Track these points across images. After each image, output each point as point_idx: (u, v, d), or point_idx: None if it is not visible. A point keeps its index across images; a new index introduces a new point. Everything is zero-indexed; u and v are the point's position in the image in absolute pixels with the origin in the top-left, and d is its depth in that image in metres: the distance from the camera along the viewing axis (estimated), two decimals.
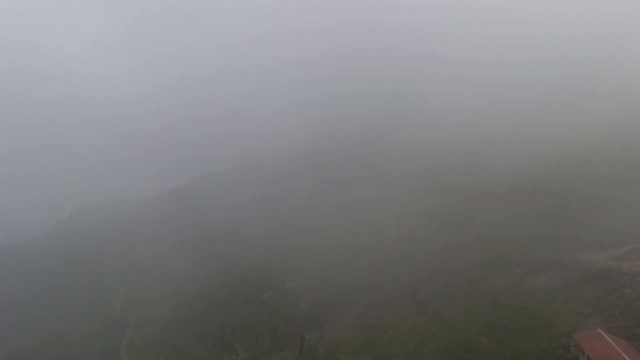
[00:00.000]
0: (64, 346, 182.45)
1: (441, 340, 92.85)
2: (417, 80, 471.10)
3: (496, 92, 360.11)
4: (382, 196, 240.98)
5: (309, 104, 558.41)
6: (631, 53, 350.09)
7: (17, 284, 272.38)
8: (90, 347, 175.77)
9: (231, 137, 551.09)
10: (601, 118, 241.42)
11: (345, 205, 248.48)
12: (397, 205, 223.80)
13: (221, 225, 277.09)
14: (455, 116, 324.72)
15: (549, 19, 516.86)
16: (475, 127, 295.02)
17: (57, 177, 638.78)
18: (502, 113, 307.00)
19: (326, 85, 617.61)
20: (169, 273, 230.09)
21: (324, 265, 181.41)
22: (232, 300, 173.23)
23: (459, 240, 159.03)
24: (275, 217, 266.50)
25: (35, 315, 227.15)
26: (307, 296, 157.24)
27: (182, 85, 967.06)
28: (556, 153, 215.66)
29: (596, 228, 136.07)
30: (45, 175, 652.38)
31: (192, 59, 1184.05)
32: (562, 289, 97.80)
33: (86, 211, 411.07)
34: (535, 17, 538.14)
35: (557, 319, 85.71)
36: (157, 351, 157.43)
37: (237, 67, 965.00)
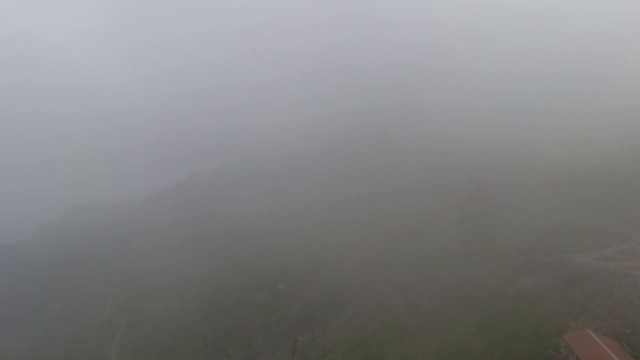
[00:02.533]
0: (52, 348, 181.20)
1: (433, 341, 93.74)
2: (429, 75, 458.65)
3: (503, 91, 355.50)
4: (382, 197, 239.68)
5: (315, 98, 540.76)
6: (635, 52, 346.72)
7: (4, 286, 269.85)
8: (79, 349, 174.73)
9: (227, 132, 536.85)
10: (596, 120, 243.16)
11: (344, 205, 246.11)
12: (395, 205, 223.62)
13: (215, 226, 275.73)
14: (462, 115, 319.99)
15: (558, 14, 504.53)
16: (478, 125, 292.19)
17: (42, 174, 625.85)
18: (503, 113, 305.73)
19: (333, 79, 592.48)
20: (160, 275, 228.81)
21: (316, 266, 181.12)
22: (224, 302, 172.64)
23: (452, 240, 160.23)
24: (272, 217, 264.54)
25: (23, 318, 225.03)
26: (299, 298, 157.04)
27: (178, 77, 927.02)
28: (548, 155, 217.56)
29: (584, 229, 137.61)
30: (29, 171, 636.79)
31: (190, 49, 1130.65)
32: (552, 290, 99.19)
33: (75, 212, 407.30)
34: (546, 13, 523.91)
35: (546, 320, 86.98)
36: (148, 353, 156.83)
37: (239, 59, 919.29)
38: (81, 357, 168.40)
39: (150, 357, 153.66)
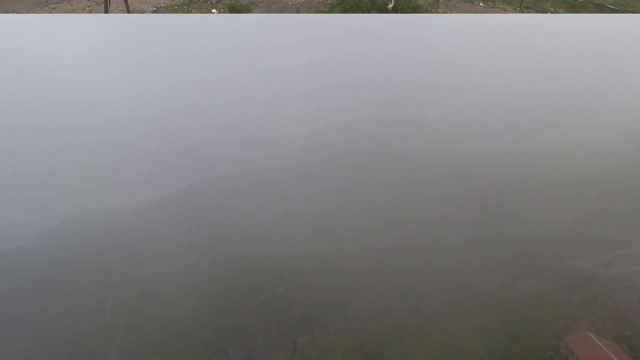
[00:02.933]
0: (51, 350, 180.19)
1: (432, 343, 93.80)
2: (432, 88, 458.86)
3: (505, 103, 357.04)
4: (384, 206, 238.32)
5: (318, 110, 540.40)
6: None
7: (4, 290, 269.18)
8: (79, 351, 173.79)
9: (229, 143, 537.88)
10: (598, 132, 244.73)
11: (346, 213, 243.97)
12: (396, 214, 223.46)
13: (216, 233, 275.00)
14: (464, 126, 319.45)
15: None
16: (480, 137, 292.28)
17: (43, 183, 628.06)
18: (505, 125, 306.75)
19: (340, 91, 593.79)
20: (161, 279, 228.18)
21: (316, 271, 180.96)
22: (224, 305, 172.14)
23: (453, 247, 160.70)
24: (272, 225, 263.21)
25: (22, 320, 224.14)
26: (299, 301, 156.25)
27: (181, 90, 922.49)
28: (550, 164, 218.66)
29: (585, 236, 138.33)
30: (31, 181, 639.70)
31: (198, 62, 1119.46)
32: (551, 294, 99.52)
33: (75, 220, 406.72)
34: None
35: (546, 322, 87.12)
36: (147, 355, 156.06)
37: (242, 73, 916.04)
38: (81, 358, 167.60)
39: (149, 358, 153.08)
